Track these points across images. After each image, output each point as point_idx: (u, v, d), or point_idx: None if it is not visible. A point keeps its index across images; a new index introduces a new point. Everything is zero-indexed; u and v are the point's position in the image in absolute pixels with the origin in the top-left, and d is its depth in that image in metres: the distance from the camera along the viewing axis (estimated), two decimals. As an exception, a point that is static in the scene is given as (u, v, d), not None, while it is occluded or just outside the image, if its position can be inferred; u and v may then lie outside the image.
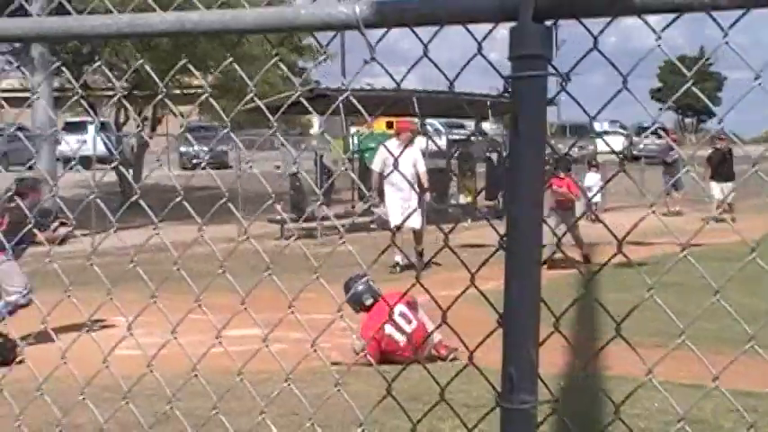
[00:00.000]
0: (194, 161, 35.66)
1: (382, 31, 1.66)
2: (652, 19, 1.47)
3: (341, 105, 4.38)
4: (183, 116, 21.90)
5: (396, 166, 1.85)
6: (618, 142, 38.72)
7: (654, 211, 1.58)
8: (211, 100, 1.95)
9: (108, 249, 7.86)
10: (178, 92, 21.39)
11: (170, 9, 1.81)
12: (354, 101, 1.86)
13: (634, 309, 1.57)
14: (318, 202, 17.21)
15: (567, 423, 1.54)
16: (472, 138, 24.46)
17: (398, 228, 12.99)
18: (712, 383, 1.72)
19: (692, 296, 6.49)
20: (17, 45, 23.27)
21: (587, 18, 1.49)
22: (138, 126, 15.53)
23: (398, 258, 13.12)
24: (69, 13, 1.87)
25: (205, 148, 35.96)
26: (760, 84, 1.35)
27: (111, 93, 24.21)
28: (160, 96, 2.08)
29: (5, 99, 2.62)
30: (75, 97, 2.50)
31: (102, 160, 23.73)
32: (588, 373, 4.73)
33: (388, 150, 12.54)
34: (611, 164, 25.40)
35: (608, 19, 1.51)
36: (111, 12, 1.85)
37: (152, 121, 26.43)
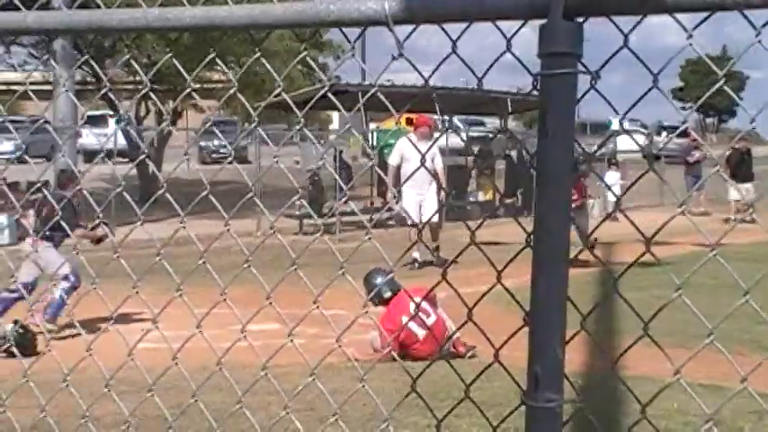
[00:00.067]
0: (214, 155, 35.85)
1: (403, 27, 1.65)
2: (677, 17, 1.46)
3: (360, 101, 4.36)
4: (209, 109, 22.00)
5: (423, 162, 1.85)
6: (638, 141, 38.43)
7: (684, 212, 1.57)
8: (239, 95, 1.96)
9: (125, 243, 7.90)
10: (198, 86, 21.45)
11: (197, 4, 1.81)
12: (382, 97, 1.86)
13: (662, 308, 1.56)
14: (342, 199, 17.31)
15: (594, 422, 1.54)
16: (498, 135, 24.40)
17: (416, 225, 13.00)
18: (740, 384, 1.70)
19: (709, 296, 6.46)
20: (39, 38, 23.47)
21: (617, 16, 1.48)
22: (164, 118, 15.64)
23: (416, 255, 13.11)
24: (98, 7, 1.88)
25: (225, 143, 36.13)
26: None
27: (131, 87, 24.36)
28: (188, 90, 2.08)
29: (28, 92, 2.63)
30: (103, 90, 2.49)
31: (121, 154, 23.89)
32: (607, 373, 4.72)
33: (413, 144, 12.51)
34: (631, 163, 25.26)
35: (629, 18, 1.50)
36: (138, 6, 1.86)
37: (172, 116, 26.54)
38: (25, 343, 7.06)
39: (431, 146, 2.74)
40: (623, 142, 33.05)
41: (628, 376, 5.74)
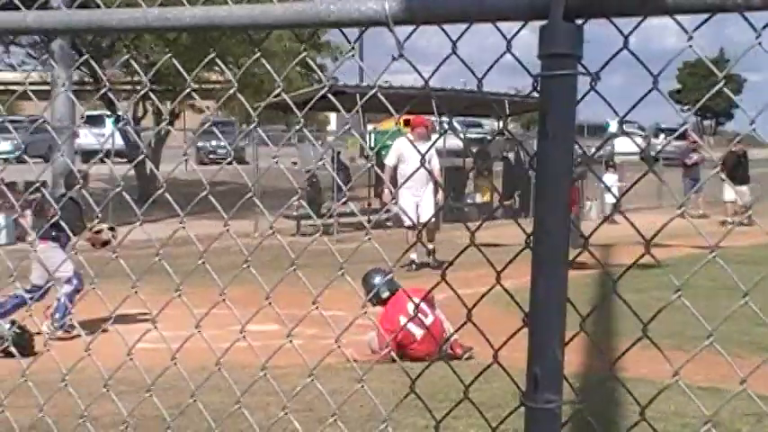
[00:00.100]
0: (211, 156, 35.86)
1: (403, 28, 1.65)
2: (672, 21, 1.46)
3: (359, 103, 4.37)
4: (207, 110, 21.98)
5: (422, 162, 1.84)
6: (638, 143, 38.48)
7: (684, 213, 1.57)
8: (239, 95, 1.96)
9: (123, 243, 7.89)
10: (196, 87, 21.41)
11: (197, 4, 1.81)
12: (382, 98, 1.86)
13: (661, 310, 1.56)
14: (340, 200, 17.31)
15: (593, 423, 1.54)
16: (496, 137, 24.42)
17: (413, 227, 13.01)
18: (739, 387, 1.70)
19: (707, 298, 6.47)
20: (37, 38, 23.45)
21: (618, 17, 1.48)
22: (164, 117, 15.61)
23: (414, 256, 13.12)
24: (98, 7, 1.88)
25: (222, 144, 36.12)
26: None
27: (128, 87, 24.35)
28: (188, 90, 2.08)
29: (26, 92, 2.63)
30: (102, 90, 2.49)
31: (119, 154, 23.86)
32: (606, 375, 4.72)
33: (412, 144, 12.48)
34: (628, 165, 25.27)
35: (628, 20, 1.51)
36: (138, 6, 1.85)
37: (170, 116, 26.52)
38: (23, 343, 7.06)
39: (430, 147, 2.75)
40: (621, 144, 33.09)
41: (626, 378, 5.75)
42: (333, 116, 49.01)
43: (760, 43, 1.39)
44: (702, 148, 22.66)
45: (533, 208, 1.48)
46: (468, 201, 22.33)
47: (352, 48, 1.82)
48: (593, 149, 1.84)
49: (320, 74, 8.57)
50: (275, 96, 2.07)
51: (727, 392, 5.14)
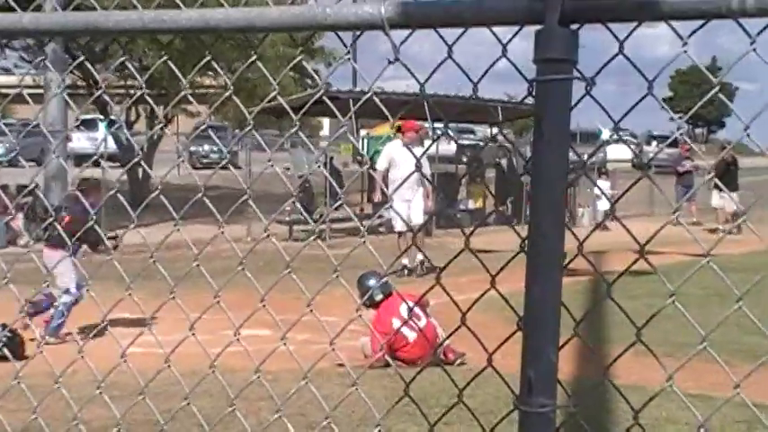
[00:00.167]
0: (204, 160, 35.82)
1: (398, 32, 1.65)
2: (666, 28, 1.47)
3: (352, 108, 4.37)
4: (202, 113, 21.94)
5: (418, 167, 1.85)
6: (627, 151, 38.60)
7: (677, 219, 1.57)
8: (235, 98, 1.96)
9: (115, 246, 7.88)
10: (189, 91, 21.37)
11: (194, 6, 1.81)
12: (378, 101, 1.86)
13: (654, 315, 1.57)
14: (334, 205, 17.27)
15: (587, 428, 1.54)
16: (488, 143, 24.45)
17: (403, 233, 13.03)
18: (729, 394, 1.71)
19: (698, 306, 6.48)
20: (30, 41, 23.40)
21: (613, 23, 1.48)
22: (159, 121, 15.57)
23: (406, 261, 13.12)
24: (94, 9, 1.87)
25: (215, 148, 36.08)
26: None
27: (122, 91, 24.28)
28: (183, 93, 2.08)
29: (18, 95, 2.63)
30: (97, 94, 2.49)
31: (111, 158, 23.79)
32: (597, 381, 4.71)
33: (408, 148, 12.45)
34: (621, 172, 25.34)
35: (621, 26, 1.51)
36: (132, 7, 1.85)
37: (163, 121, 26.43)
38: (13, 347, 7.03)
39: (423, 153, 2.75)
40: (613, 151, 33.15)
41: (617, 384, 5.76)
42: (326, 121, 49.07)
43: (755, 49, 1.39)
44: (696, 155, 22.72)
45: (528, 213, 1.48)
46: (461, 207, 22.34)
47: (348, 51, 1.82)
48: (585, 156, 1.84)
49: (316, 77, 8.56)
50: (270, 100, 2.07)
51: (717, 400, 5.15)
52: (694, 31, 1.46)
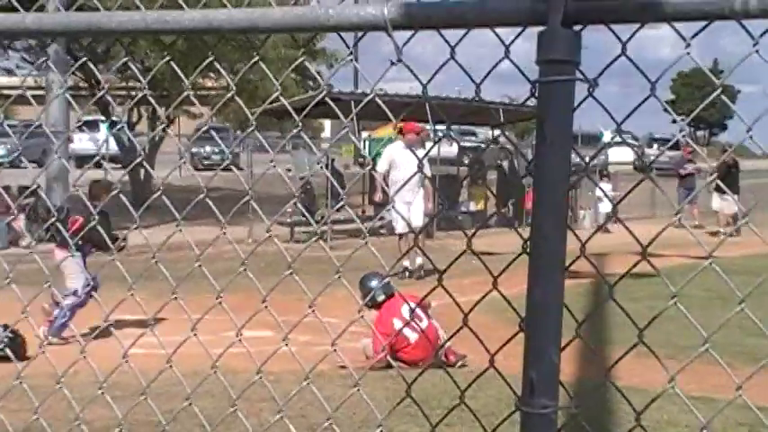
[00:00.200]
0: (205, 162, 35.83)
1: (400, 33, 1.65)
2: (668, 30, 1.47)
3: (353, 110, 4.35)
4: (202, 116, 21.95)
5: (420, 167, 1.85)
6: (628, 153, 38.63)
7: (680, 220, 1.57)
8: (237, 99, 1.96)
9: (116, 247, 7.87)
10: (192, 92, 21.37)
11: (196, 7, 1.81)
12: (381, 103, 1.86)
13: (657, 316, 1.57)
14: (335, 206, 17.26)
15: (589, 430, 1.54)
16: (490, 145, 24.47)
17: (403, 235, 13.03)
18: (731, 396, 1.71)
19: (700, 308, 6.47)
20: (32, 42, 23.41)
21: (616, 24, 1.48)
22: (162, 122, 15.59)
23: (407, 263, 13.12)
24: (96, 10, 1.87)
25: (217, 149, 36.09)
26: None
27: (123, 93, 24.28)
28: (186, 94, 2.08)
29: (20, 96, 2.63)
30: (99, 94, 2.49)
31: (113, 159, 23.80)
32: (598, 382, 4.72)
33: (410, 150, 12.46)
34: (622, 174, 25.33)
35: (624, 27, 1.51)
36: (135, 8, 1.85)
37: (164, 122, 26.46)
38: (14, 348, 7.02)
39: (425, 155, 2.76)
40: (614, 154, 33.13)
41: (619, 387, 5.76)
42: (327, 123, 49.08)
43: (758, 51, 1.39)
44: (698, 158, 22.70)
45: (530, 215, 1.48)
46: (462, 209, 22.34)
47: (351, 52, 1.82)
48: (587, 159, 1.84)
49: (319, 79, 8.56)
50: (273, 101, 2.07)
51: (719, 402, 5.14)
52: (697, 33, 1.46)
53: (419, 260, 13.02)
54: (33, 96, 2.90)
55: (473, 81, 1.67)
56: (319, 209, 19.87)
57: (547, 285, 1.42)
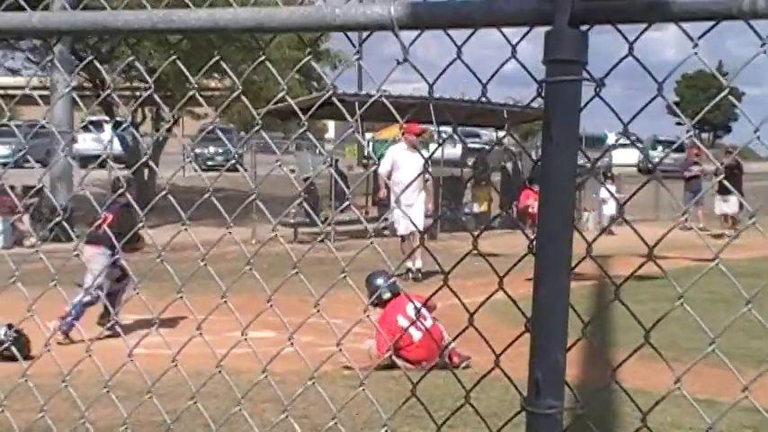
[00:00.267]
0: (208, 162, 35.82)
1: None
2: (673, 31, 1.47)
3: (357, 111, 4.34)
4: (206, 116, 21.96)
5: (426, 167, 1.84)
6: (632, 155, 38.58)
7: (687, 221, 1.57)
8: (243, 98, 1.96)
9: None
10: (197, 89, 21.39)
11: (203, 6, 1.81)
12: (387, 103, 1.86)
13: (663, 317, 1.56)
14: (339, 207, 17.24)
15: (594, 431, 1.54)
16: (495, 147, 24.47)
17: (405, 236, 13.03)
18: (734, 399, 1.70)
19: (704, 310, 6.44)
20: (36, 42, 23.43)
21: (623, 24, 1.48)
22: (167, 121, 15.60)
23: (410, 264, 13.12)
24: (103, 9, 1.87)
25: (220, 150, 36.08)
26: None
27: (127, 93, 24.32)
28: (191, 93, 2.08)
29: (25, 96, 2.63)
30: (104, 94, 2.49)
31: (116, 160, 23.80)
32: (602, 384, 4.70)
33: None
34: (625, 176, 25.30)
35: (629, 27, 1.51)
36: (141, 7, 1.85)
37: (168, 122, 26.48)
38: (19, 347, 7.02)
39: (430, 156, 2.76)
40: (618, 156, 33.08)
41: (625, 388, 5.75)
42: (331, 124, 49.09)
43: (765, 51, 1.39)
44: (704, 159, 22.66)
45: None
46: (466, 210, 22.32)
47: (358, 51, 1.82)
48: (593, 160, 1.84)
49: (325, 77, 8.60)
50: (278, 101, 2.07)
51: (722, 405, 5.13)
52: (705, 33, 1.45)
53: (418, 263, 13.02)
54: (40, 96, 2.90)
55: (480, 81, 1.67)
56: (323, 210, 19.87)
57: (553, 285, 1.42)
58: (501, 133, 24.87)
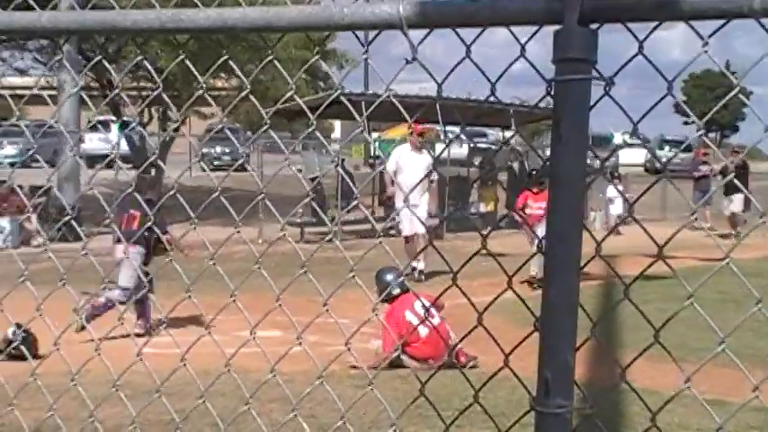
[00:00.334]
0: (215, 162, 35.86)
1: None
2: (680, 31, 1.46)
3: (364, 111, 4.35)
4: (213, 116, 21.96)
5: (434, 167, 1.84)
6: (639, 155, 38.53)
7: (696, 219, 1.56)
8: (252, 97, 1.96)
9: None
10: (205, 89, 21.43)
11: (211, 6, 1.81)
12: (396, 102, 1.85)
13: (672, 317, 1.56)
14: (346, 207, 17.25)
15: (604, 431, 1.53)
16: (502, 147, 24.43)
17: (410, 238, 13.02)
18: (743, 399, 1.70)
19: (713, 310, 6.42)
20: (44, 42, 23.49)
21: (632, 23, 1.48)
22: (175, 120, 15.62)
23: (416, 264, 13.11)
24: (112, 8, 1.88)
25: (227, 150, 36.12)
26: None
27: (134, 93, 24.35)
28: (199, 93, 2.08)
29: (33, 96, 2.64)
30: (112, 94, 2.50)
31: (124, 159, 23.84)
32: (609, 384, 4.70)
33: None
34: (632, 176, 25.25)
35: (638, 26, 1.50)
36: (149, 7, 1.85)
37: (175, 123, 26.52)
38: (27, 347, 7.04)
39: (437, 157, 2.76)
40: (625, 156, 33.03)
41: (634, 388, 5.75)
42: (337, 124, 49.11)
43: (775, 50, 1.38)
44: (712, 159, 22.61)
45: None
46: (473, 210, 22.30)
47: (366, 50, 1.82)
48: (598, 160, 1.84)
49: (334, 77, 8.62)
50: (287, 101, 2.07)
51: (730, 405, 5.12)
52: (716, 31, 1.45)
53: (421, 264, 13.02)
54: (47, 96, 2.91)
55: (489, 80, 1.67)
56: (329, 209, 19.87)
57: (562, 284, 1.41)
58: (508, 133, 24.85)
